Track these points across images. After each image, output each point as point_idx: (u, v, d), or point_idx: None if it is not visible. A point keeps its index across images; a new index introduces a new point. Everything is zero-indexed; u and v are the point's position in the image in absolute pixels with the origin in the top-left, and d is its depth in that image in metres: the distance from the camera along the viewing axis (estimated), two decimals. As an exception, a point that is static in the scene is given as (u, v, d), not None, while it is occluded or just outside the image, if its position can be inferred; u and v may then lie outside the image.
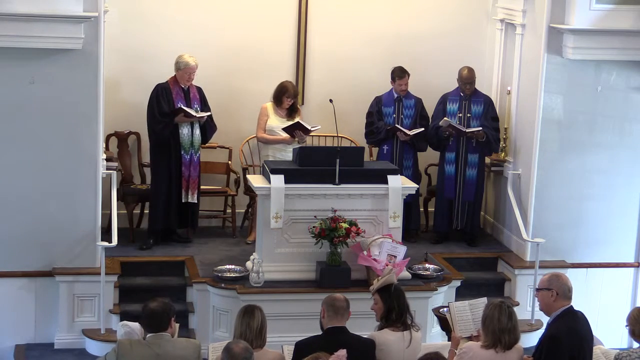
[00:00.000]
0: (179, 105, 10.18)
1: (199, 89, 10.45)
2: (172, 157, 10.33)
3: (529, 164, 10.49)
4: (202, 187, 10.98)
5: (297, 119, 10.53)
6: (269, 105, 10.67)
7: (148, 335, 6.48)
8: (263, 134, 10.64)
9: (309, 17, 11.35)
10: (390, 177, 9.51)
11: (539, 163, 10.39)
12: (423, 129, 10.89)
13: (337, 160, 9.34)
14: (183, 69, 10.24)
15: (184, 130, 10.29)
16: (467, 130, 10.69)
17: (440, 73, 11.37)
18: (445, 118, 10.73)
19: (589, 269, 10.59)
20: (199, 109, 10.32)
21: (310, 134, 10.59)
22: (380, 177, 9.52)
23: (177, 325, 7.05)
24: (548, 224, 10.45)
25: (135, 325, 6.99)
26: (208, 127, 10.45)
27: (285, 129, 10.40)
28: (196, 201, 10.49)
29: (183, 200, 10.40)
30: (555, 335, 6.50)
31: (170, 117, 10.20)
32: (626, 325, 6.93)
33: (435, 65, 11.50)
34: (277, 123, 10.55)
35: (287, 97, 10.55)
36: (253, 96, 10.97)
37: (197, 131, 10.37)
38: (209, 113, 10.36)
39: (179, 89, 10.29)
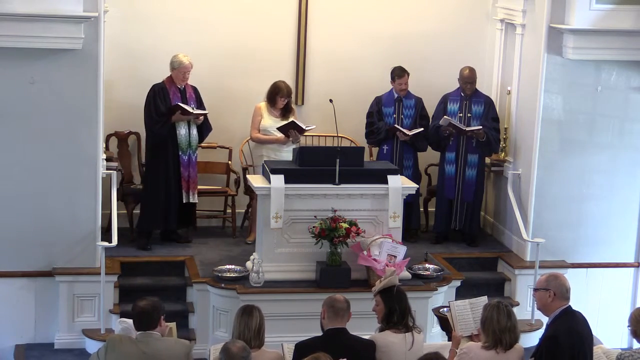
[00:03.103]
0: (175, 103, 10.17)
1: (195, 89, 10.44)
2: (169, 157, 10.31)
3: (529, 164, 10.49)
4: (202, 187, 11.00)
5: (291, 119, 10.52)
6: (263, 105, 10.65)
7: (138, 334, 6.54)
8: (257, 134, 10.62)
9: (309, 17, 11.35)
10: (390, 177, 9.51)
11: (539, 163, 10.38)
12: (423, 129, 10.88)
13: (337, 160, 9.33)
14: (177, 68, 10.23)
15: (182, 131, 10.28)
16: (467, 129, 10.69)
17: (440, 73, 11.37)
18: (445, 117, 10.73)
19: (589, 269, 10.59)
20: (195, 108, 10.32)
21: (306, 134, 10.59)
22: (380, 177, 9.51)
23: (174, 324, 7.07)
24: (548, 224, 10.45)
25: (131, 321, 7.02)
26: (204, 127, 10.45)
27: (279, 129, 10.39)
28: (197, 201, 10.49)
29: (184, 201, 10.40)
30: (554, 336, 6.49)
31: (167, 116, 10.19)
32: (628, 326, 6.91)
33: (435, 65, 11.50)
34: (270, 123, 10.54)
35: (281, 97, 10.53)
36: (253, 96, 10.96)
37: (194, 131, 10.37)
38: (206, 111, 10.35)
39: (175, 88, 10.28)
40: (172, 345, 6.53)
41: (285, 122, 10.39)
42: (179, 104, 10.15)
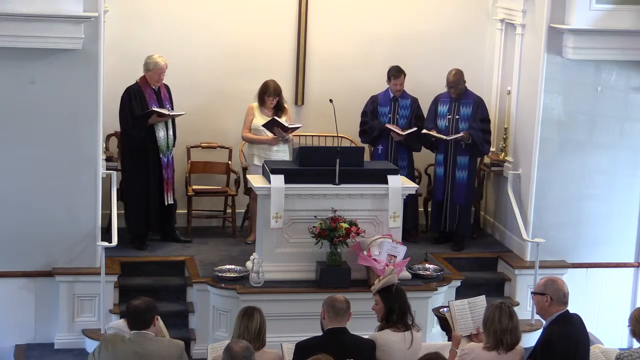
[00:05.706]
0: (152, 107, 10.13)
1: (167, 88, 10.41)
2: (149, 160, 10.27)
3: (529, 164, 10.49)
4: (202, 187, 11.01)
5: (283, 118, 10.50)
6: (255, 105, 10.66)
7: (131, 333, 6.53)
8: (248, 133, 10.63)
9: (309, 17, 11.35)
10: (390, 177, 9.51)
11: (539, 163, 10.39)
12: (416, 128, 10.86)
13: (337, 160, 9.34)
14: (153, 70, 10.19)
15: (160, 133, 10.25)
16: (449, 138, 10.67)
17: (441, 73, 11.32)
18: (424, 130, 10.71)
19: (589, 269, 10.59)
20: (170, 108, 10.31)
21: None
22: (380, 177, 9.52)
23: (161, 325, 7.04)
24: (548, 224, 10.45)
25: (119, 322, 7.03)
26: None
27: (264, 125, 10.39)
28: (174, 202, 10.48)
29: (166, 203, 10.39)
30: (548, 341, 6.47)
31: (143, 119, 10.15)
32: (628, 326, 6.90)
33: (435, 65, 11.48)
34: (262, 122, 10.53)
35: (269, 96, 10.52)
36: (253, 96, 10.94)
37: (171, 132, 10.35)
38: (182, 112, 10.31)
39: (150, 90, 10.24)
40: (165, 346, 6.52)
41: (269, 119, 10.38)
42: (154, 109, 10.10)
